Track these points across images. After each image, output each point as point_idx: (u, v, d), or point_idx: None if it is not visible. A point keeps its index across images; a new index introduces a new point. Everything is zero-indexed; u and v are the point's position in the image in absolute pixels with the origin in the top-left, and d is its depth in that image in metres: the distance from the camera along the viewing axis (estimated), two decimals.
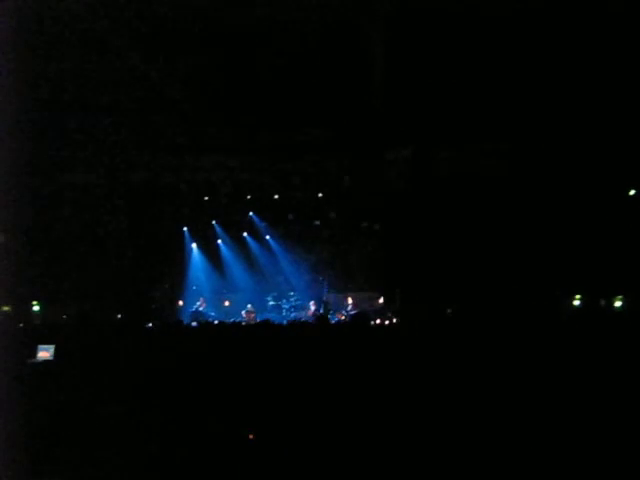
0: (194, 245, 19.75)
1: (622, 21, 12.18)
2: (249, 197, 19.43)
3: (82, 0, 11.66)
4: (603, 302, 13.80)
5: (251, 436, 6.08)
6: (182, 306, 18.68)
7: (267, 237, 19.69)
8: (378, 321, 15.90)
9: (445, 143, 16.60)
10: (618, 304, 13.42)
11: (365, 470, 5.50)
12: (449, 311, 14.62)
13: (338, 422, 6.07)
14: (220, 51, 13.70)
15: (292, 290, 19.10)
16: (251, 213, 19.70)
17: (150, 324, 12.58)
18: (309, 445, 5.83)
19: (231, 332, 9.96)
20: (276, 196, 19.32)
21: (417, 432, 5.85)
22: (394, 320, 15.95)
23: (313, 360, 7.27)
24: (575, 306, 14.16)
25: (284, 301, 18.87)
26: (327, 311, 17.14)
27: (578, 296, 14.29)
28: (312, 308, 17.80)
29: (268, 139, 16.49)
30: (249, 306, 18.05)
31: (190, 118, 15.62)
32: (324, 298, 18.20)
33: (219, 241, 19.82)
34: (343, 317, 17.05)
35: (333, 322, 16.15)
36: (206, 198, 19.31)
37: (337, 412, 6.20)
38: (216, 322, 14.51)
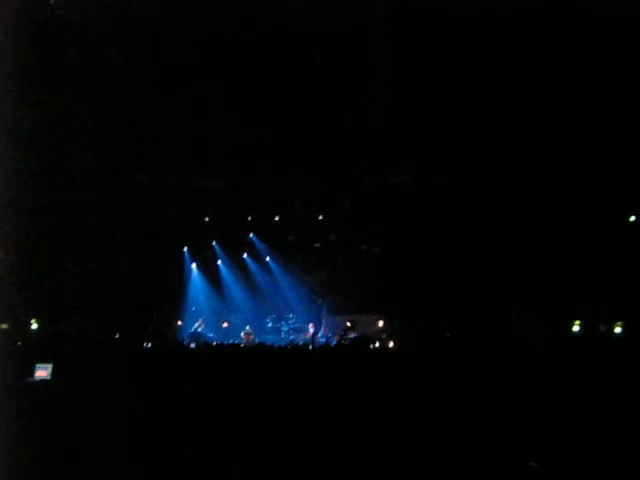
0: (194, 265, 19.73)
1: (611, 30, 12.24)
2: (249, 218, 19.44)
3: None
4: (603, 328, 13.78)
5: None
6: (181, 326, 18.61)
7: (267, 258, 19.66)
8: (377, 344, 15.84)
9: (445, 168, 16.63)
10: (618, 330, 13.40)
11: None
12: (448, 334, 14.61)
13: (339, 437, 6.07)
14: (219, 66, 13.78)
15: (291, 312, 19.04)
16: (251, 234, 19.70)
17: (149, 344, 12.54)
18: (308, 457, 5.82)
19: (230, 355, 9.94)
20: (276, 218, 19.33)
21: (417, 448, 5.84)
22: (391, 344, 15.87)
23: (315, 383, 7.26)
24: (574, 332, 14.13)
25: (283, 323, 18.81)
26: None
27: (577, 322, 14.26)
28: (311, 330, 17.73)
29: (271, 160, 16.51)
30: (248, 327, 17.98)
31: (192, 138, 15.67)
32: (324, 321, 18.12)
33: (219, 262, 19.80)
34: (342, 340, 16.95)
35: (333, 345, 16.11)
36: (207, 219, 19.32)
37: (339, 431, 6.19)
38: (215, 343, 14.48)
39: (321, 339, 16.72)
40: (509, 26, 12.41)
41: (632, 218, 15.63)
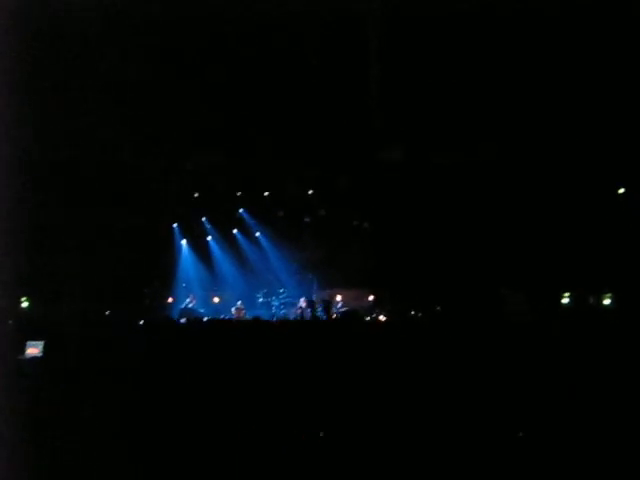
0: (184, 242, 19.71)
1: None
2: (239, 194, 19.38)
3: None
4: (592, 300, 13.91)
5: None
6: (172, 303, 18.62)
7: (257, 234, 19.66)
8: (367, 319, 15.93)
9: (437, 144, 16.62)
10: (607, 302, 13.52)
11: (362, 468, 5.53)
12: (438, 309, 14.71)
13: (334, 417, 6.11)
14: (214, 51, 13.70)
15: (282, 287, 19.08)
16: (241, 210, 19.67)
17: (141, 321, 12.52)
18: (307, 442, 5.86)
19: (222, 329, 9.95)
20: (266, 193, 19.29)
21: (410, 424, 5.88)
22: (382, 318, 15.97)
23: (309, 356, 7.29)
24: (564, 304, 14.25)
25: (274, 298, 18.84)
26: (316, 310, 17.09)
27: (567, 294, 14.38)
28: (302, 305, 17.78)
29: (261, 138, 16.43)
30: (239, 303, 18.00)
31: (183, 115, 15.58)
32: (314, 297, 18.17)
33: (209, 238, 19.78)
34: (334, 314, 17.03)
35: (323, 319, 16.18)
36: (196, 194, 19.26)
37: (332, 406, 6.23)
38: (206, 319, 14.51)
39: (319, 313, 16.75)
40: (507, 17, 12.40)
41: (621, 190, 15.71)
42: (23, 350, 9.45)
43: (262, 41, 13.52)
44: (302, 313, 17.06)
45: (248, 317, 16.99)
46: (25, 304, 15.70)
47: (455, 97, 14.40)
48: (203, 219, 19.68)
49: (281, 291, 18.94)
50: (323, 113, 15.38)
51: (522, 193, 15.97)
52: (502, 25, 12.54)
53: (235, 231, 19.76)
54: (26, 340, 9.53)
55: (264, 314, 16.97)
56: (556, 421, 5.75)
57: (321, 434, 5.93)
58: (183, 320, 14.70)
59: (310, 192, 19.24)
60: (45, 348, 8.94)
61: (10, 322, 11.25)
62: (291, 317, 17.39)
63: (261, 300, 18.90)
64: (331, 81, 14.46)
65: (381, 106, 14.82)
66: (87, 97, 14.46)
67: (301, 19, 12.65)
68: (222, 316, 17.25)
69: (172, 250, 19.41)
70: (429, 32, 12.84)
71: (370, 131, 16.14)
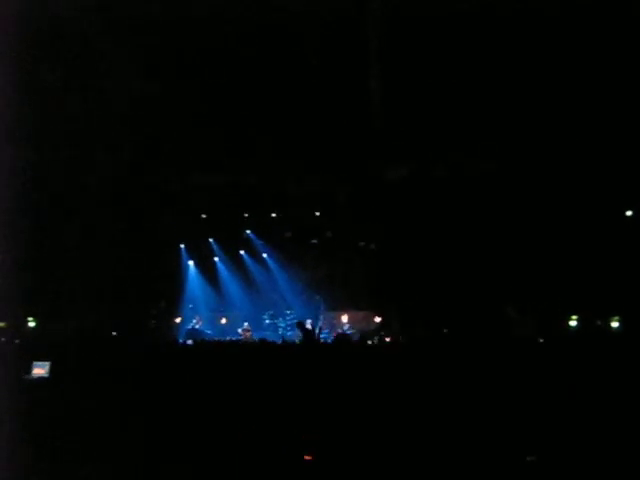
0: (191, 262, 19.74)
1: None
2: (246, 215, 19.43)
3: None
4: (600, 322, 13.82)
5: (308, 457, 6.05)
6: (179, 324, 18.61)
7: (264, 255, 19.67)
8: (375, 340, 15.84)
9: (441, 164, 16.65)
10: (615, 324, 13.43)
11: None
12: (445, 331, 14.62)
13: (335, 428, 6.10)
14: (216, 63, 13.76)
15: (288, 308, 19.07)
16: (248, 231, 19.71)
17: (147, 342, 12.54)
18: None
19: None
20: (273, 214, 19.33)
21: (410, 447, 5.86)
22: (388, 340, 15.88)
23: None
24: (572, 327, 14.16)
25: (280, 319, 18.84)
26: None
27: (575, 317, 14.29)
28: (309, 327, 17.72)
29: (268, 159, 16.50)
30: (245, 324, 17.97)
31: (189, 135, 15.66)
32: (321, 317, 18.13)
33: (216, 259, 19.80)
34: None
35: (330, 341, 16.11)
36: (203, 216, 19.31)
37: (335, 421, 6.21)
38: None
39: (323, 335, 16.69)
40: (507, 16, 12.42)
41: (629, 213, 15.66)
42: (30, 370, 9.44)
43: (265, 57, 13.57)
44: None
45: (255, 338, 16.94)
46: (32, 324, 15.71)
47: (460, 111, 14.40)
48: (210, 240, 19.72)
49: (288, 312, 18.92)
50: (329, 134, 15.44)
51: (529, 216, 15.93)
52: (503, 25, 12.53)
53: (242, 252, 19.78)
54: (32, 360, 9.52)
55: (271, 335, 16.93)
56: (565, 444, 5.71)
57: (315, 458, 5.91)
58: (190, 341, 14.67)
59: (317, 213, 19.26)
60: (51, 369, 8.92)
61: (17, 342, 11.27)
62: (297, 339, 17.32)
63: (267, 321, 18.89)
64: (337, 98, 14.51)
65: (386, 123, 14.85)
66: (94, 115, 14.56)
67: (301, 24, 12.71)
68: (228, 337, 17.22)
69: (179, 271, 19.43)
70: (430, 34, 12.83)
71: (375, 149, 16.17)
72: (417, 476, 5.54)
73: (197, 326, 18.05)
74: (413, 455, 5.78)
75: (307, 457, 5.97)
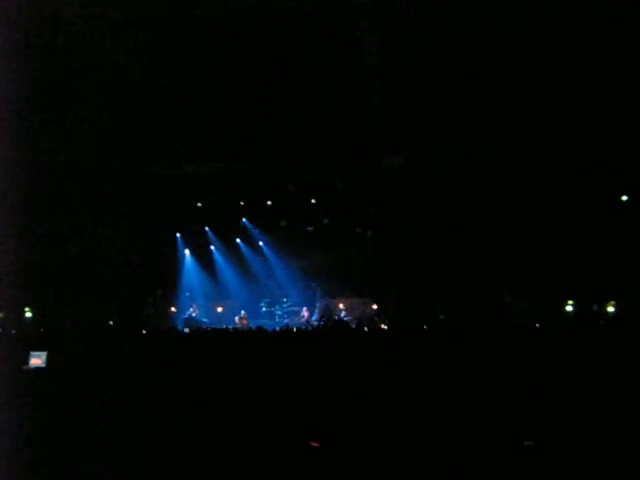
0: (187, 251, 19.73)
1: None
2: (242, 203, 19.41)
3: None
4: (595, 307, 13.86)
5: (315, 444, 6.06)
6: (175, 312, 18.62)
7: (260, 243, 19.67)
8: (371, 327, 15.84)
9: (438, 149, 16.63)
10: (611, 309, 13.47)
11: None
12: (441, 317, 14.65)
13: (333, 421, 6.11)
14: (217, 57, 13.72)
15: (285, 296, 19.08)
16: (244, 219, 19.68)
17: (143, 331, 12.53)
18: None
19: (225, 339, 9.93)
20: (269, 202, 19.31)
21: (408, 435, 5.87)
22: (383, 326, 15.89)
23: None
24: (568, 311, 14.20)
25: (277, 307, 18.85)
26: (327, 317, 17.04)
27: (570, 302, 14.33)
28: (305, 314, 17.78)
29: (263, 146, 16.45)
30: (242, 312, 18.00)
31: (184, 124, 15.61)
32: (318, 304, 18.16)
33: (212, 247, 19.79)
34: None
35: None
36: (199, 204, 19.28)
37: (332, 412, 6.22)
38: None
39: (314, 322, 16.75)
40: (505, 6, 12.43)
41: (624, 197, 15.68)
42: (27, 360, 9.43)
43: (264, 48, 13.53)
44: (307, 322, 17.02)
45: (252, 326, 16.96)
46: (28, 314, 15.70)
47: (459, 97, 14.39)
48: (206, 228, 19.70)
49: (284, 300, 18.94)
50: (325, 120, 15.41)
51: (525, 201, 15.95)
52: (500, 13, 12.53)
53: (238, 240, 19.77)
54: (29, 350, 9.51)
55: (267, 323, 16.95)
56: (562, 429, 5.74)
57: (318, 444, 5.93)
58: (187, 330, 14.67)
59: (313, 201, 19.23)
60: (48, 359, 8.92)
61: (13, 332, 11.26)
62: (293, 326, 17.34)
63: (264, 309, 18.91)
64: (334, 86, 14.48)
65: (382, 110, 14.83)
66: (89, 104, 14.51)
67: (301, 27, 12.69)
68: (225, 325, 17.23)
69: (175, 259, 19.42)
70: (429, 31, 12.83)
71: (372, 137, 16.16)
72: (420, 462, 5.56)
73: (194, 314, 18.07)
74: (416, 441, 5.80)
75: (313, 444, 5.99)
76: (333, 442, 5.89)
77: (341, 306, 18.08)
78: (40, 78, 13.36)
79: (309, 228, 19.40)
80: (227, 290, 19.40)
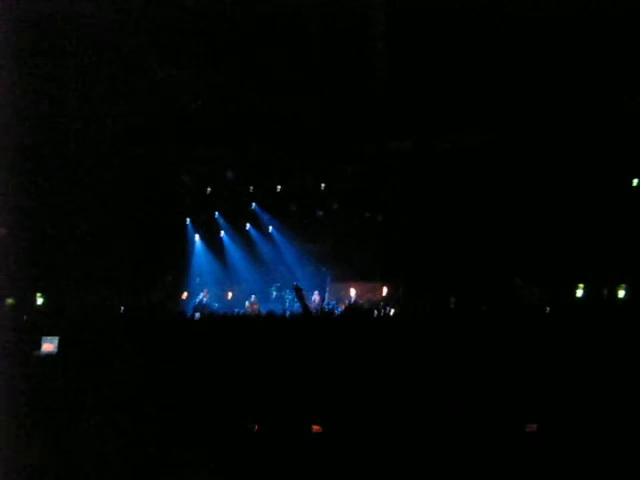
0: (197, 236, 19.77)
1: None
2: (252, 189, 19.40)
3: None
4: (606, 292, 13.80)
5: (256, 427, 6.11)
6: (186, 298, 18.67)
7: (270, 228, 19.66)
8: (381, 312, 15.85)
9: (446, 134, 16.56)
10: (621, 293, 13.42)
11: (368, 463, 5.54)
12: (452, 301, 14.64)
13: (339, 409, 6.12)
14: (222, 48, 13.70)
15: (295, 281, 19.08)
16: (254, 204, 19.68)
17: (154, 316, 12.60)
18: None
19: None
20: (279, 187, 19.29)
21: (415, 420, 5.89)
22: (393, 311, 15.89)
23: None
24: (578, 296, 14.15)
25: (287, 292, 18.85)
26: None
27: (581, 285, 14.28)
28: (317, 298, 17.77)
29: (273, 132, 16.43)
30: (252, 297, 18.02)
31: (195, 110, 15.61)
32: (328, 289, 18.16)
33: (222, 232, 19.81)
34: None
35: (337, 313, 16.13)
36: (209, 189, 19.29)
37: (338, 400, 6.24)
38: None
39: (328, 306, 16.74)
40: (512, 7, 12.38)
41: (635, 182, 15.57)
42: (39, 346, 9.50)
43: (270, 33, 13.49)
44: (318, 307, 17.03)
45: (262, 311, 16.99)
46: (40, 300, 15.79)
47: (464, 82, 14.33)
48: (216, 214, 19.71)
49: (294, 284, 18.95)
50: (334, 105, 15.36)
51: (536, 184, 15.86)
52: (512, 8, 12.45)
53: (248, 226, 19.78)
54: (41, 336, 9.58)
55: (278, 308, 16.97)
56: (567, 413, 5.73)
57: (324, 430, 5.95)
58: (197, 315, 14.74)
59: (322, 185, 19.19)
60: (60, 345, 8.98)
61: (25, 318, 11.34)
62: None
63: (275, 294, 18.91)
64: (341, 71, 14.43)
65: (389, 94, 14.77)
66: (98, 91, 14.52)
67: (306, 11, 12.63)
68: (236, 310, 17.28)
69: (185, 245, 19.47)
70: (435, 19, 12.76)
71: (380, 121, 16.09)
72: (423, 447, 5.57)
73: (204, 300, 18.11)
74: (421, 426, 5.82)
75: (316, 428, 6.01)
76: (342, 426, 5.92)
77: (352, 291, 18.05)
78: (49, 62, 13.41)
79: (319, 213, 19.37)
80: (237, 275, 19.41)
